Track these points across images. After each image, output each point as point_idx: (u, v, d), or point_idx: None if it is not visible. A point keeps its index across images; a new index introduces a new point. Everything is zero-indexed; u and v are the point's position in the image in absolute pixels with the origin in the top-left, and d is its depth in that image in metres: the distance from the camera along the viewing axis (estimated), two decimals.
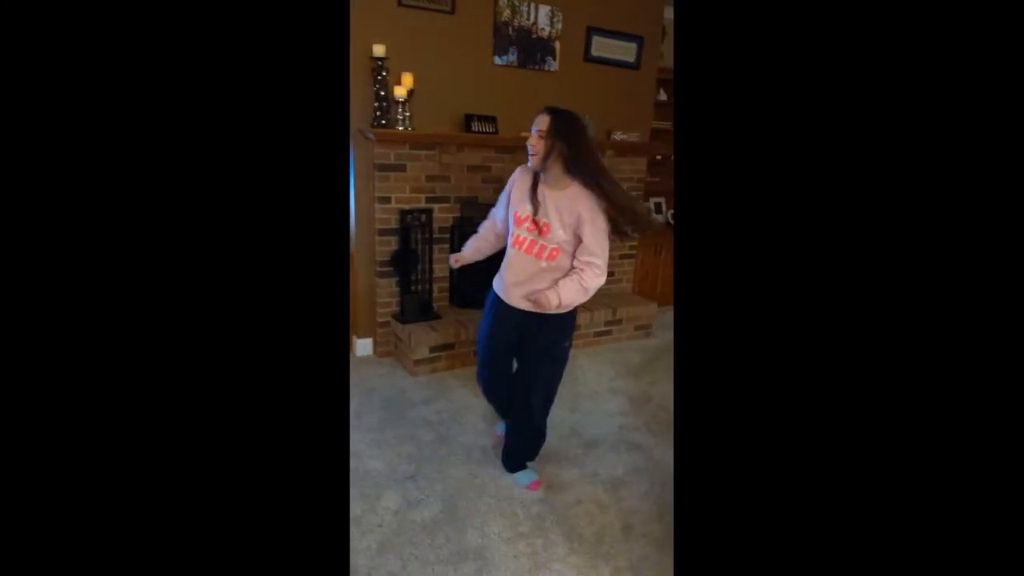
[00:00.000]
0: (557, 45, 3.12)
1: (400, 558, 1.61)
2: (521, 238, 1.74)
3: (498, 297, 1.87)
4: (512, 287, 1.79)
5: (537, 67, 3.10)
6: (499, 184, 3.09)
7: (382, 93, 2.63)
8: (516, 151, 3.04)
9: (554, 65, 3.14)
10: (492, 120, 2.99)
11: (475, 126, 2.94)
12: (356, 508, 1.80)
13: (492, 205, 3.03)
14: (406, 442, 2.20)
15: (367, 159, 2.75)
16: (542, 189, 1.69)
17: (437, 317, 2.98)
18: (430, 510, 1.81)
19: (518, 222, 1.74)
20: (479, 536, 1.71)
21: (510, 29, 2.97)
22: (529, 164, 1.69)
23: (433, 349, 2.83)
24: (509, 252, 1.80)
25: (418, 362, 2.81)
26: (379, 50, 2.59)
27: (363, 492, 1.88)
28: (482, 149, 2.98)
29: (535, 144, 1.63)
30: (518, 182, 1.77)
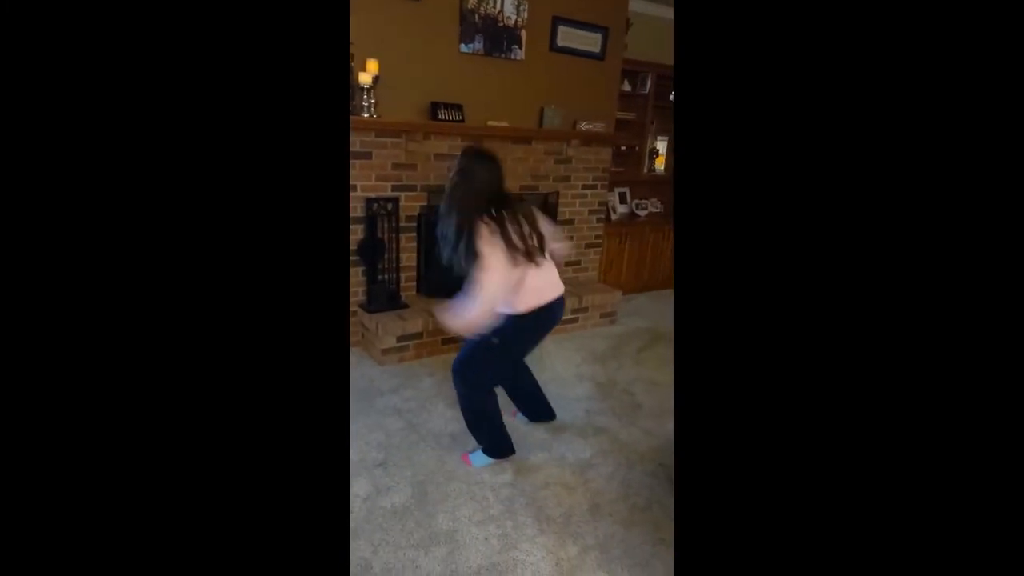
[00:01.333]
0: (523, 34, 3.12)
1: (371, 543, 1.61)
2: None
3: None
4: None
5: (503, 55, 3.10)
6: None
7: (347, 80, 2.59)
8: (483, 140, 3.04)
9: (520, 54, 3.15)
10: (459, 108, 2.98)
11: (442, 114, 2.92)
12: None
13: None
14: (375, 430, 2.19)
15: None
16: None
17: (405, 306, 2.97)
18: (400, 496, 1.82)
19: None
20: (450, 520, 1.73)
21: (476, 16, 2.96)
22: None
23: (400, 339, 2.82)
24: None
25: (386, 351, 2.80)
26: None
27: None
28: (449, 137, 2.97)
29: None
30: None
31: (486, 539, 1.66)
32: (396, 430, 2.21)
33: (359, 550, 1.59)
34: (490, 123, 3.08)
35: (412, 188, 2.96)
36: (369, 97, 2.64)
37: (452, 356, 2.95)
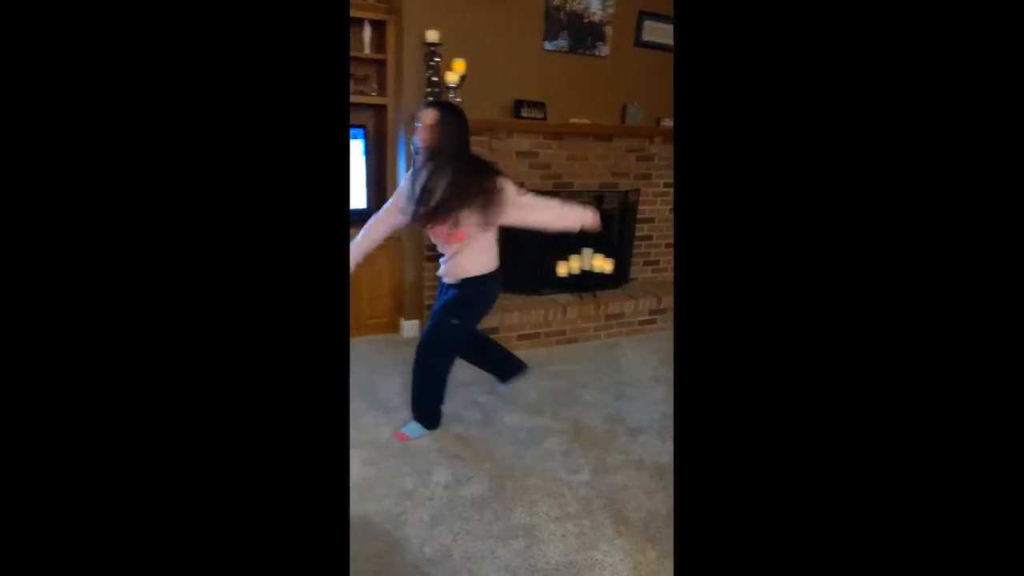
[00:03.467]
0: (608, 30, 3.08)
1: (451, 531, 1.66)
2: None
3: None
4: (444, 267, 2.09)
5: (587, 52, 3.08)
6: (546, 171, 3.10)
7: (434, 79, 2.66)
8: (564, 137, 3.04)
9: (604, 50, 3.11)
10: (541, 106, 2.99)
11: (524, 112, 2.94)
12: (408, 482, 1.86)
13: (539, 192, 3.05)
14: (453, 421, 2.25)
15: None
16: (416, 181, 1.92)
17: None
18: (479, 487, 1.86)
19: (422, 217, 1.95)
20: (527, 515, 1.75)
21: (561, 14, 2.95)
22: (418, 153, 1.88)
23: None
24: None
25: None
26: (432, 36, 2.62)
27: (414, 468, 1.94)
28: (531, 135, 2.98)
29: (423, 136, 1.84)
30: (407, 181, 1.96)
31: (563, 536, 1.67)
32: (474, 422, 2.26)
33: (440, 536, 1.63)
34: (572, 120, 3.07)
35: None
36: (455, 96, 2.69)
37: (529, 352, 2.99)
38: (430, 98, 1.90)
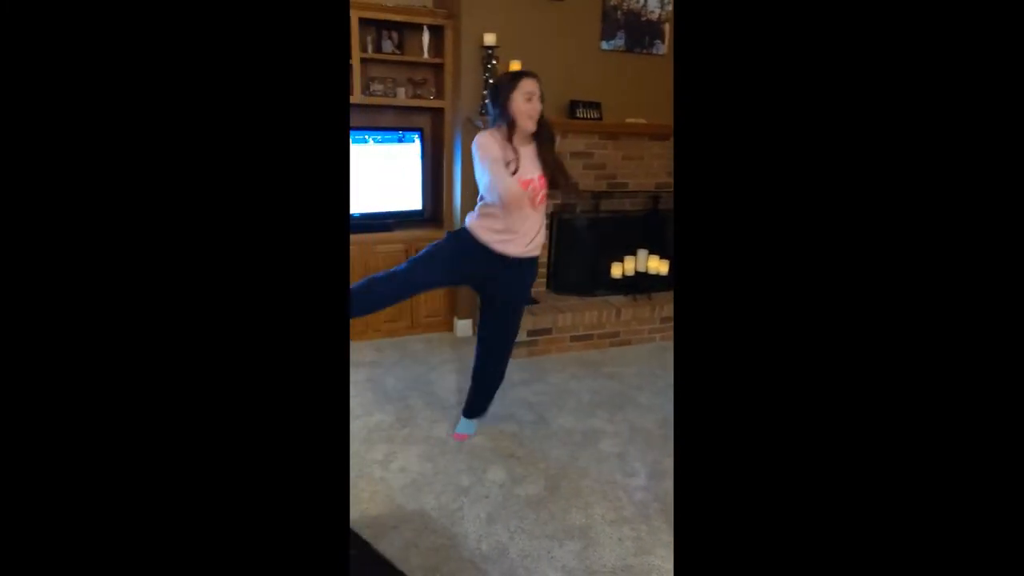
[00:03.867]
0: (666, 28, 3.03)
1: (507, 529, 1.67)
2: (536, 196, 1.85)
3: (487, 250, 1.87)
4: (526, 241, 1.88)
5: (645, 51, 3.04)
6: (600, 171, 3.08)
7: (491, 81, 2.69)
8: (620, 137, 3.01)
9: (662, 48, 3.06)
10: (597, 106, 2.98)
11: (580, 112, 2.93)
12: (464, 479, 1.90)
13: (595, 192, 3.04)
14: (507, 420, 2.27)
15: None
16: (519, 148, 1.81)
17: (535, 302, 3.03)
18: (534, 487, 1.87)
19: (525, 185, 1.80)
20: (583, 516, 1.74)
21: (619, 13, 2.93)
22: (527, 128, 1.79)
23: (531, 333, 2.88)
24: (518, 214, 1.82)
25: (517, 344, 2.87)
26: (490, 39, 2.65)
27: (470, 465, 1.97)
28: (586, 135, 2.97)
29: (538, 107, 1.78)
30: (498, 148, 1.76)
31: (620, 540, 1.65)
32: (528, 422, 2.27)
33: (496, 534, 1.65)
34: (628, 120, 3.03)
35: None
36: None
37: (582, 354, 2.98)
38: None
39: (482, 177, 1.77)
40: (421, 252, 1.97)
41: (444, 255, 1.93)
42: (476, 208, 1.91)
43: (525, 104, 1.75)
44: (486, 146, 1.74)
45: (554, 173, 1.86)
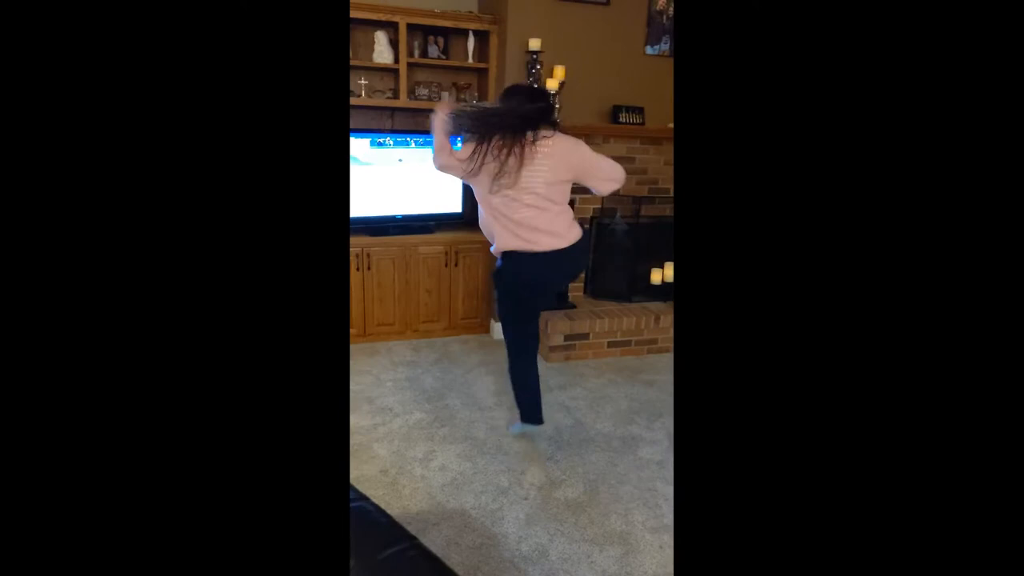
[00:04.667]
0: None
1: (547, 532, 1.67)
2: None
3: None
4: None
5: None
6: (642, 176, 3.06)
7: (535, 86, 2.71)
8: (662, 142, 2.99)
9: None
10: (639, 111, 2.96)
11: (622, 117, 2.93)
12: (503, 480, 1.90)
13: (635, 197, 3.02)
14: (545, 424, 2.26)
15: None
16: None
17: (572, 307, 3.02)
18: (573, 491, 1.86)
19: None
20: (623, 522, 1.73)
21: (664, 18, 2.92)
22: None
23: (568, 337, 2.88)
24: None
25: (553, 348, 2.87)
26: (535, 44, 2.67)
27: (509, 466, 1.98)
28: (628, 140, 2.96)
29: None
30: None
31: (661, 547, 1.63)
32: (566, 426, 2.26)
33: (536, 536, 1.65)
34: (671, 125, 3.01)
35: (587, 191, 3.00)
36: (555, 102, 2.73)
37: (620, 359, 2.96)
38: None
39: None
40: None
41: None
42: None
43: None
44: None
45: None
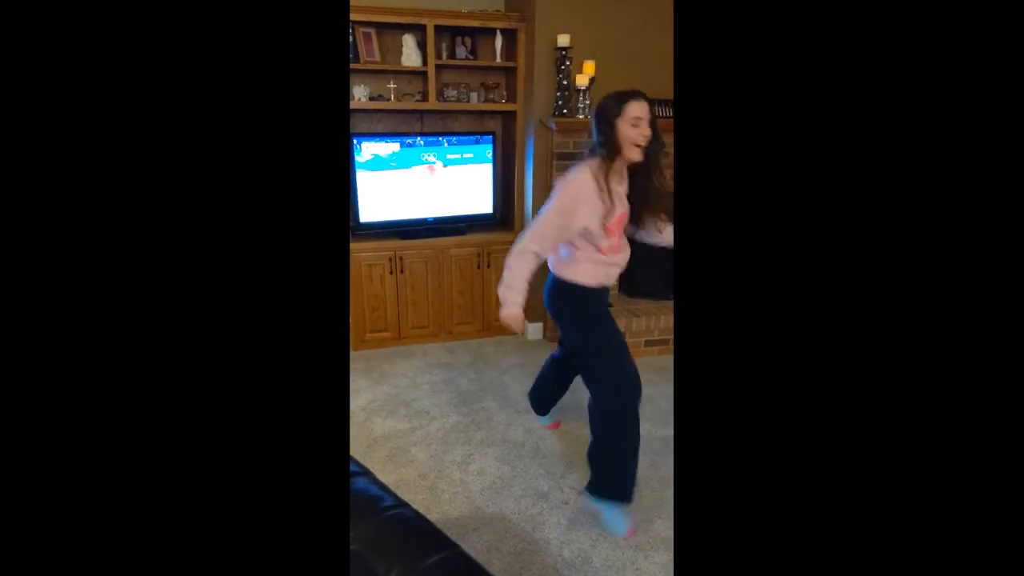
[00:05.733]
0: None
1: (589, 537, 1.64)
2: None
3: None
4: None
5: None
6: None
7: (564, 83, 2.67)
8: None
9: None
10: (670, 104, 2.89)
11: (655, 111, 2.86)
12: (543, 484, 1.87)
13: (670, 193, 2.95)
14: (581, 423, 2.23)
15: (546, 149, 2.82)
16: (613, 183, 1.60)
17: (609, 305, 2.97)
18: None
19: (621, 221, 1.67)
20: (667, 528, 1.68)
21: None
22: (634, 157, 1.58)
23: None
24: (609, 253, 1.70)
25: None
26: (564, 40, 2.63)
27: (547, 470, 1.95)
28: (662, 134, 2.89)
29: (646, 134, 1.56)
30: (592, 183, 1.58)
31: None
32: None
33: (578, 541, 1.62)
34: None
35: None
36: (585, 98, 2.69)
37: (656, 359, 2.90)
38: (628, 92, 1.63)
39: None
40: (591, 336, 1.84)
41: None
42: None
43: (631, 130, 1.56)
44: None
45: (642, 209, 1.68)
